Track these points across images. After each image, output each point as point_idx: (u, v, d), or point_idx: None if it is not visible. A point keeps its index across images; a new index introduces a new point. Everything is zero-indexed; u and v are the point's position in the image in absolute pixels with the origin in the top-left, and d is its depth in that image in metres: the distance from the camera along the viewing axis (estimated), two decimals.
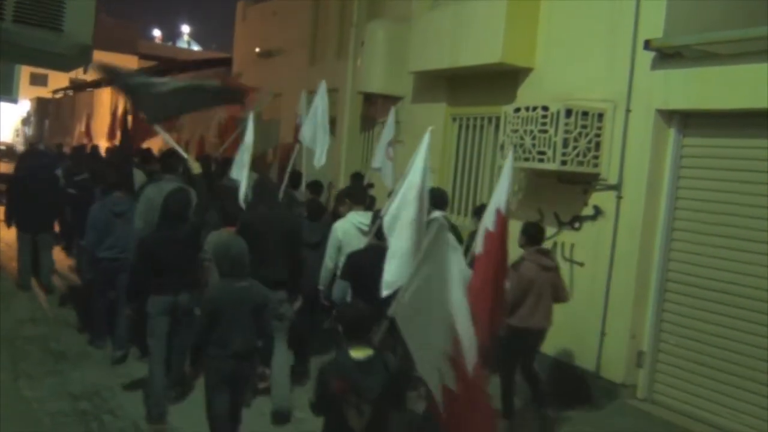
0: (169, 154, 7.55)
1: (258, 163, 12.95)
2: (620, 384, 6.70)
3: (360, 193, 7.05)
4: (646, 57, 6.56)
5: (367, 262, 5.30)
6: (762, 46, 5.58)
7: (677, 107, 6.46)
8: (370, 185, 8.95)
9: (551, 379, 7.21)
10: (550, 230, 7.45)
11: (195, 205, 6.15)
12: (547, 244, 7.37)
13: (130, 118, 12.05)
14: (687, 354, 6.45)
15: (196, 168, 6.39)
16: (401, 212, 4.91)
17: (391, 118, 9.14)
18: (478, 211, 6.87)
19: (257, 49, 15.92)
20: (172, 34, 59.31)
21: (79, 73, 10.15)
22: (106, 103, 25.24)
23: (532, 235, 6.19)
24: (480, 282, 4.58)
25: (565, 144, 6.78)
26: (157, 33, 56.85)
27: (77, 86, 30.83)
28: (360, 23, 11.64)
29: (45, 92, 36.83)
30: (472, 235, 6.12)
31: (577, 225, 7.21)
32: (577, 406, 6.72)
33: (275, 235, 5.95)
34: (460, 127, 9.34)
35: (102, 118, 24.97)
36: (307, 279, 6.35)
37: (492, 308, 4.61)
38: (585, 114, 6.83)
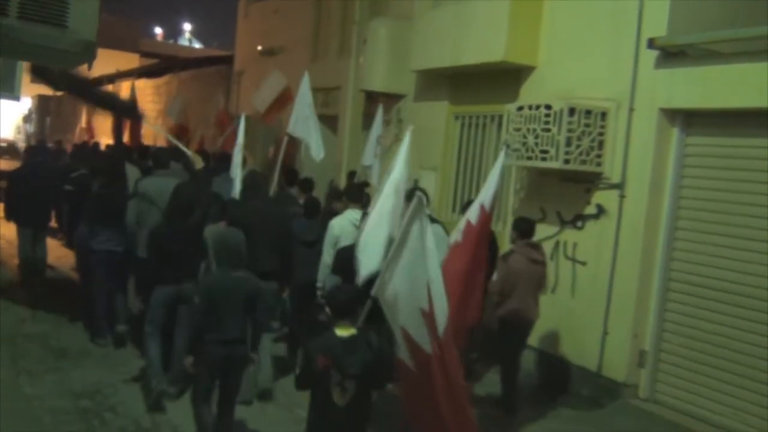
0: (161, 151, 7.73)
1: (260, 160, 13.00)
2: (622, 383, 6.69)
3: (356, 190, 7.08)
4: (649, 56, 6.55)
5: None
6: (766, 45, 5.56)
7: (680, 106, 6.45)
8: (366, 183, 8.96)
9: (543, 373, 7.25)
10: (552, 229, 7.45)
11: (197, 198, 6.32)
12: (549, 243, 7.39)
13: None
14: (689, 353, 6.44)
15: (198, 162, 6.49)
16: (381, 204, 5.12)
17: (378, 116, 9.36)
18: (465, 207, 6.90)
19: (259, 47, 15.92)
20: (173, 32, 59.20)
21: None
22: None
23: (523, 229, 6.35)
24: (451, 269, 4.73)
25: (568, 143, 6.77)
26: (158, 31, 56.79)
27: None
28: (362, 21, 11.63)
29: (46, 89, 36.79)
30: None
31: (579, 224, 7.19)
32: (564, 401, 6.80)
33: (264, 229, 6.19)
34: (463, 125, 9.32)
35: (104, 115, 24.91)
36: (303, 274, 6.52)
37: (461, 297, 4.72)
38: (588, 113, 6.82)
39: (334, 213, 7.07)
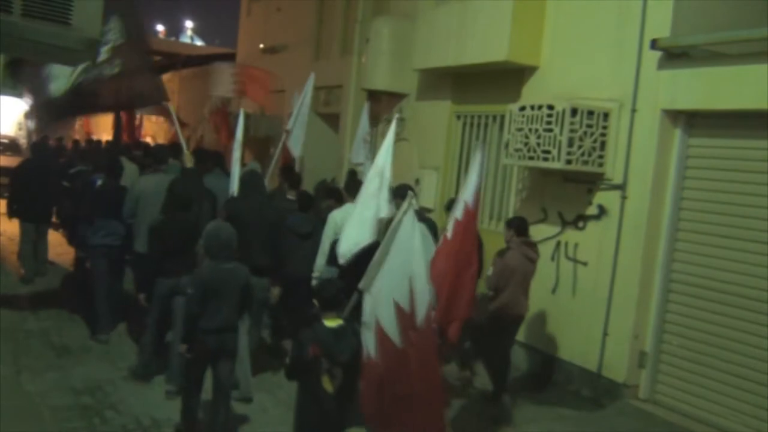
0: (161, 148, 7.83)
1: (261, 157, 13.01)
2: (622, 384, 6.69)
3: (355, 186, 7.12)
4: (652, 56, 6.54)
5: None
6: None
7: (683, 107, 6.44)
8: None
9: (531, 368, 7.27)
10: (554, 229, 7.45)
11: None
12: (550, 244, 7.39)
13: (123, 114, 12.30)
14: (689, 355, 6.44)
15: (189, 161, 7.13)
16: (365, 187, 5.49)
17: (364, 114, 9.52)
18: (449, 206, 6.97)
19: (261, 45, 15.91)
20: (175, 30, 59.09)
21: None
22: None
23: (520, 227, 6.49)
24: (439, 266, 4.89)
25: (570, 143, 6.76)
26: (160, 28, 56.70)
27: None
28: (365, 20, 11.62)
29: None
30: None
31: (581, 224, 7.19)
32: (565, 401, 6.84)
33: (259, 225, 6.42)
34: (465, 125, 9.31)
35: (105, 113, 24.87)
36: (298, 267, 6.68)
37: (450, 293, 4.86)
38: (590, 113, 6.81)
39: (320, 211, 7.28)
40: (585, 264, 7.12)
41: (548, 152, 6.87)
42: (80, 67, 6.56)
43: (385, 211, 5.32)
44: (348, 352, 4.06)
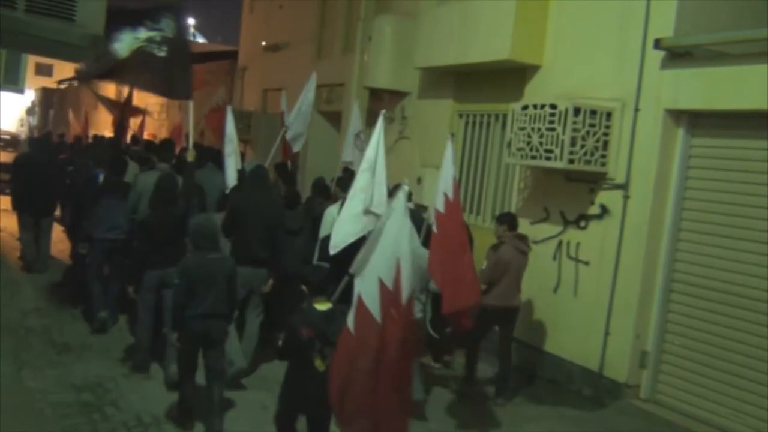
0: (164, 146, 8.35)
1: (262, 153, 13.00)
2: (623, 384, 6.69)
3: (347, 181, 7.16)
4: (655, 56, 6.53)
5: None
6: None
7: (686, 107, 6.43)
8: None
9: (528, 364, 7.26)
10: (556, 228, 7.44)
11: (182, 189, 6.75)
12: (552, 243, 7.39)
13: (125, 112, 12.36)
14: (691, 355, 6.44)
15: (190, 156, 7.24)
16: (355, 181, 5.58)
17: (355, 113, 9.65)
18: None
19: (263, 43, 15.88)
20: None
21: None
22: (111, 94, 25.19)
23: (512, 222, 6.75)
24: (433, 258, 5.20)
25: (573, 142, 6.75)
26: None
27: (82, 77, 30.72)
28: (367, 18, 11.60)
29: (50, 82, 36.72)
30: None
31: (583, 224, 7.18)
32: (565, 401, 6.82)
33: (261, 219, 6.63)
34: (467, 123, 9.30)
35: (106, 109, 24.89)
36: (288, 261, 6.84)
37: (451, 282, 5.14)
38: (593, 113, 6.80)
39: (314, 209, 7.44)
40: (587, 263, 7.11)
41: (551, 151, 6.86)
42: (143, 36, 6.70)
43: (380, 209, 5.26)
44: (338, 333, 4.22)
